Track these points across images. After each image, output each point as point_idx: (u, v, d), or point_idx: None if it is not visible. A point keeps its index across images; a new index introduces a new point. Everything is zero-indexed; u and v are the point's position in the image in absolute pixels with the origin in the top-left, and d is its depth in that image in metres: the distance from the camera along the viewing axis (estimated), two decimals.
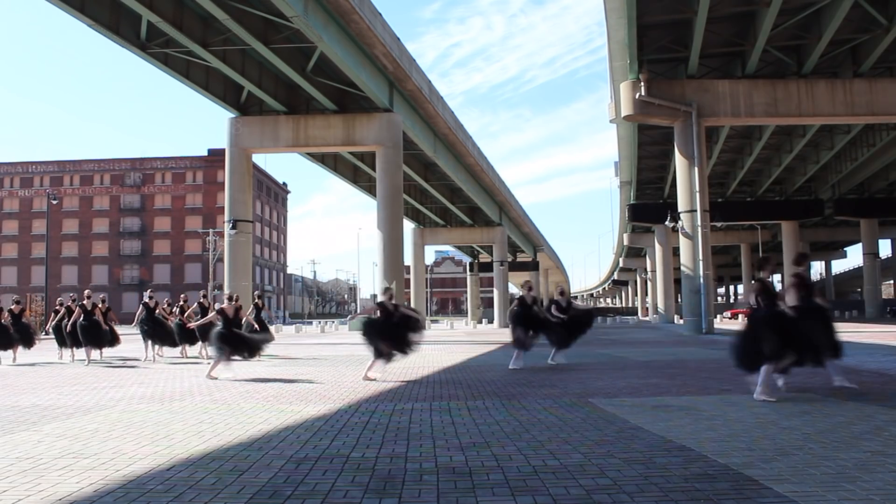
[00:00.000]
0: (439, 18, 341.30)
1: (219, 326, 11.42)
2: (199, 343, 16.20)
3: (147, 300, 15.92)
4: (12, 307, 16.29)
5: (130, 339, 20.92)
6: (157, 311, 16.02)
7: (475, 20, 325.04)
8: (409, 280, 48.79)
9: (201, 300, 16.67)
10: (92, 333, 14.94)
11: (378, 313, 10.69)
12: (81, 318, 14.92)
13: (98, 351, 15.62)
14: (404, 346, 10.55)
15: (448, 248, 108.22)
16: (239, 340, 11.42)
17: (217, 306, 11.67)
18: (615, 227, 73.07)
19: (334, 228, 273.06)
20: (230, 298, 11.86)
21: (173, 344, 16.31)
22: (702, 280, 25.05)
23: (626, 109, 25.57)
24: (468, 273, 73.66)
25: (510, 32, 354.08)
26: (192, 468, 4.74)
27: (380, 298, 11.02)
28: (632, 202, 47.02)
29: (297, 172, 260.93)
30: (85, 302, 15.07)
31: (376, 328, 10.52)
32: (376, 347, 10.42)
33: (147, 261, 79.12)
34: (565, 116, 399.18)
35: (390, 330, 10.41)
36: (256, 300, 16.79)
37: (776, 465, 4.58)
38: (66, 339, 15.97)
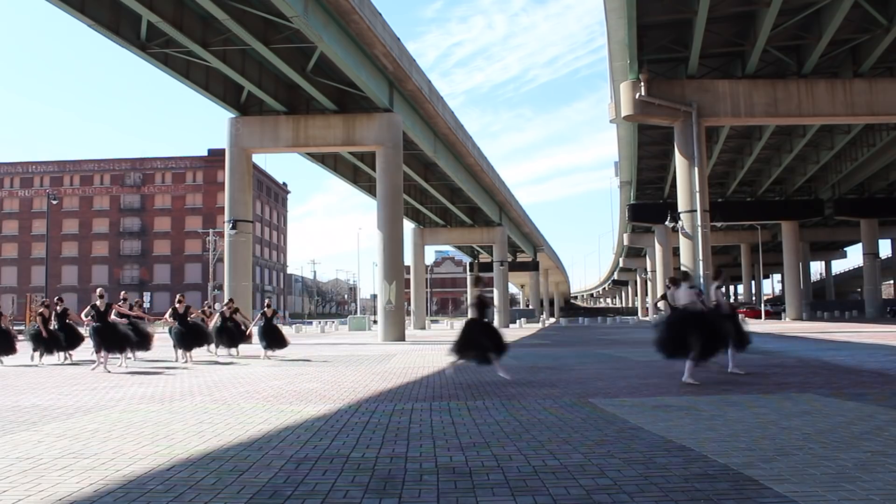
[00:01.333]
0: (441, 17, 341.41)
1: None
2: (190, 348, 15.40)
3: (120, 302, 14.85)
4: (42, 311, 15.62)
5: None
6: (132, 313, 15.21)
7: (477, 19, 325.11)
8: (409, 280, 48.80)
9: (176, 305, 15.49)
10: (107, 336, 13.17)
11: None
12: (95, 321, 13.25)
13: (121, 354, 13.93)
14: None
15: (448, 248, 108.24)
16: (491, 335, 10.19)
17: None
18: (615, 227, 73.17)
19: (334, 228, 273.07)
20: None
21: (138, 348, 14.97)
22: (702, 280, 25.04)
23: (626, 109, 25.56)
24: (468, 273, 73.63)
25: (512, 31, 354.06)
26: (192, 468, 4.74)
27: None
28: (632, 202, 47.02)
29: (297, 172, 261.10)
30: (98, 303, 13.41)
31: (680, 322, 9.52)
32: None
33: (147, 261, 79.13)
34: (567, 116, 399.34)
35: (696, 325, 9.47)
36: (265, 309, 16.53)
37: (776, 465, 4.58)
38: (43, 342, 15.08)
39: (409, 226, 52.45)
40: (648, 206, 46.97)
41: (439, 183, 42.77)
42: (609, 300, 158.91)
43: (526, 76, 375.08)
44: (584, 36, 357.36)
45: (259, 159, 73.42)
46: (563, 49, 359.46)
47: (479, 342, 9.90)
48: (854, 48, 25.05)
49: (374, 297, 26.04)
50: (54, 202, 43.34)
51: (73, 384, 10.61)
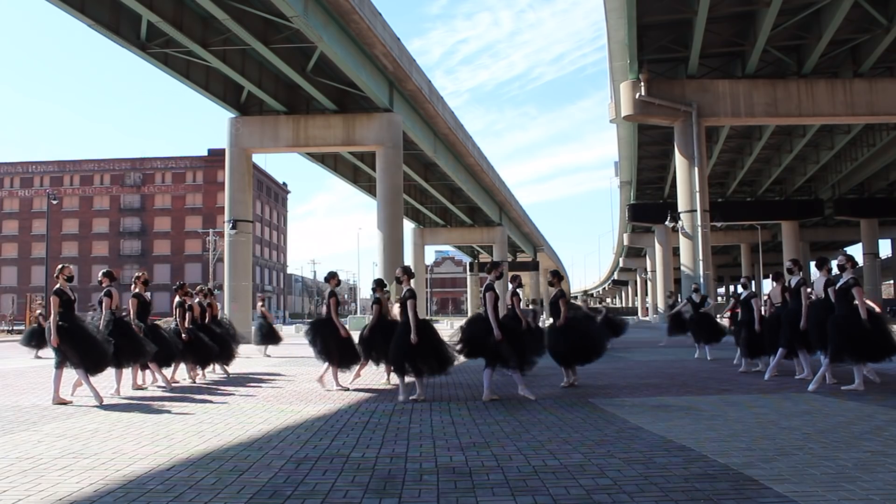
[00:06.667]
0: (446, 14, 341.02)
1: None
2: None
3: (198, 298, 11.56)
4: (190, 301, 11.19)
5: None
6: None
7: (482, 16, 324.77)
8: None
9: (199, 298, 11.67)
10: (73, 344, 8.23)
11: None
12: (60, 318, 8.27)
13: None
14: None
15: (448, 248, 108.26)
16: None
17: None
18: (615, 227, 73.10)
19: (334, 228, 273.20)
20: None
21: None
22: (702, 280, 25.04)
23: (626, 109, 25.56)
24: (468, 273, 73.65)
25: (518, 28, 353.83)
26: (192, 468, 4.74)
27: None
28: (632, 202, 47.01)
29: (298, 172, 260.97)
30: (59, 285, 8.37)
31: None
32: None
33: (147, 261, 79.05)
34: (571, 114, 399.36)
35: None
36: (260, 302, 16.55)
37: (776, 465, 4.58)
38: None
39: (409, 226, 52.48)
40: (648, 206, 46.96)
41: (439, 183, 42.76)
42: (609, 300, 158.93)
43: (531, 74, 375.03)
44: (591, 33, 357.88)
45: (259, 159, 73.44)
46: (569, 46, 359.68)
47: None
48: (854, 48, 25.03)
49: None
50: (54, 202, 43.27)
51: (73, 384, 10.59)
